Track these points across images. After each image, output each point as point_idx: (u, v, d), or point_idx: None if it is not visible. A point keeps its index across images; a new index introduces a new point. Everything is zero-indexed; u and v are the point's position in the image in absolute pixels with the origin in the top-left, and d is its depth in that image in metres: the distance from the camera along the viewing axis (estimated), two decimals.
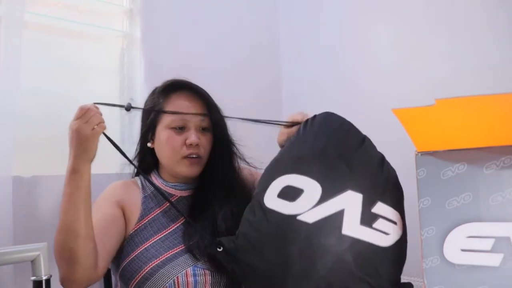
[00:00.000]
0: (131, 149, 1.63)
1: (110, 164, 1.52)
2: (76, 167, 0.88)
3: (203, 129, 1.04)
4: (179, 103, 1.05)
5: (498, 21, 1.35)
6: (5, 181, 1.18)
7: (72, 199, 0.86)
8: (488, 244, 0.54)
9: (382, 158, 0.85)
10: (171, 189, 1.05)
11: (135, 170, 1.12)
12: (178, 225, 1.00)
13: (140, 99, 1.54)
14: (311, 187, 0.76)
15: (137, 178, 1.11)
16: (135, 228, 0.98)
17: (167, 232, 0.98)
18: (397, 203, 0.80)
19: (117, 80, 1.54)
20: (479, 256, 0.54)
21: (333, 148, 0.81)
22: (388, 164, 0.87)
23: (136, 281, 0.93)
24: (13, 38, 1.22)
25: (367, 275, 0.75)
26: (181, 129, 1.02)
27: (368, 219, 0.75)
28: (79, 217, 0.86)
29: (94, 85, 1.49)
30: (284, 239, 0.76)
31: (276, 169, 0.83)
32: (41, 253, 0.84)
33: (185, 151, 1.01)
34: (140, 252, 0.96)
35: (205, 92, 1.07)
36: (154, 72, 1.52)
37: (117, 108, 1.58)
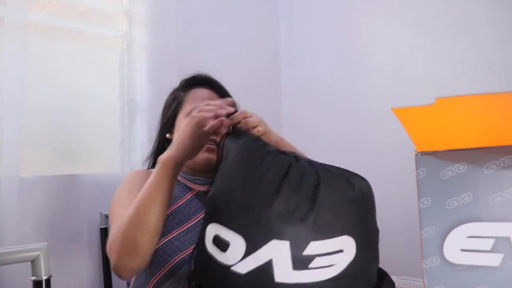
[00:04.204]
0: (131, 149, 1.64)
1: (111, 164, 1.52)
2: (164, 158, 0.86)
3: None
4: (198, 95, 1.10)
5: (498, 21, 1.35)
6: (11, 181, 1.18)
7: (156, 190, 0.83)
8: (488, 244, 0.54)
9: (315, 185, 0.72)
10: (190, 182, 1.06)
11: (151, 163, 1.15)
12: (199, 218, 0.99)
13: (140, 100, 1.54)
14: (235, 241, 0.71)
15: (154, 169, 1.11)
16: None
17: (189, 225, 0.97)
18: (343, 225, 0.71)
19: (117, 80, 1.54)
20: (479, 256, 0.54)
21: (250, 194, 0.72)
22: (330, 184, 0.73)
23: (161, 275, 0.91)
24: (16, 39, 1.23)
25: None
26: None
27: (301, 263, 0.68)
28: (157, 213, 0.82)
29: (94, 85, 1.50)
30: None
31: (206, 214, 0.79)
32: (41, 253, 0.84)
33: None
34: (164, 243, 0.94)
35: (224, 87, 1.14)
36: (154, 72, 1.53)
37: (117, 108, 1.59)
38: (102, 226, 1.37)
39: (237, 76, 1.76)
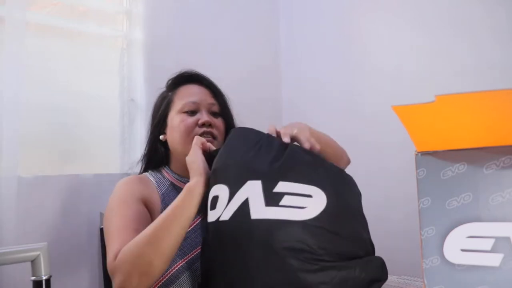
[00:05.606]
0: (131, 149, 1.64)
1: (111, 164, 1.52)
2: (191, 185, 0.89)
3: (214, 114, 1.08)
4: (188, 91, 1.09)
5: (498, 21, 1.35)
6: (10, 181, 1.18)
7: (180, 215, 0.84)
8: (488, 244, 0.54)
9: (284, 145, 0.88)
10: (185, 184, 1.05)
11: (143, 166, 1.14)
12: (197, 222, 0.98)
13: (140, 100, 1.55)
14: (222, 191, 0.84)
15: (147, 174, 1.09)
16: None
17: (188, 230, 0.95)
18: (313, 179, 0.80)
19: (117, 80, 1.54)
20: (479, 256, 0.54)
21: (233, 153, 0.89)
22: (296, 148, 0.88)
23: (160, 283, 0.90)
24: (15, 38, 1.23)
25: (294, 251, 0.73)
26: (192, 113, 1.05)
27: (272, 199, 0.78)
28: (176, 237, 0.83)
29: (94, 85, 1.50)
30: (218, 244, 0.81)
31: (210, 184, 0.91)
32: (41, 253, 0.84)
33: (198, 130, 1.03)
34: None
35: (212, 81, 1.12)
36: (154, 72, 1.53)
37: (117, 107, 1.59)
38: (102, 226, 1.37)
39: (237, 76, 1.76)
